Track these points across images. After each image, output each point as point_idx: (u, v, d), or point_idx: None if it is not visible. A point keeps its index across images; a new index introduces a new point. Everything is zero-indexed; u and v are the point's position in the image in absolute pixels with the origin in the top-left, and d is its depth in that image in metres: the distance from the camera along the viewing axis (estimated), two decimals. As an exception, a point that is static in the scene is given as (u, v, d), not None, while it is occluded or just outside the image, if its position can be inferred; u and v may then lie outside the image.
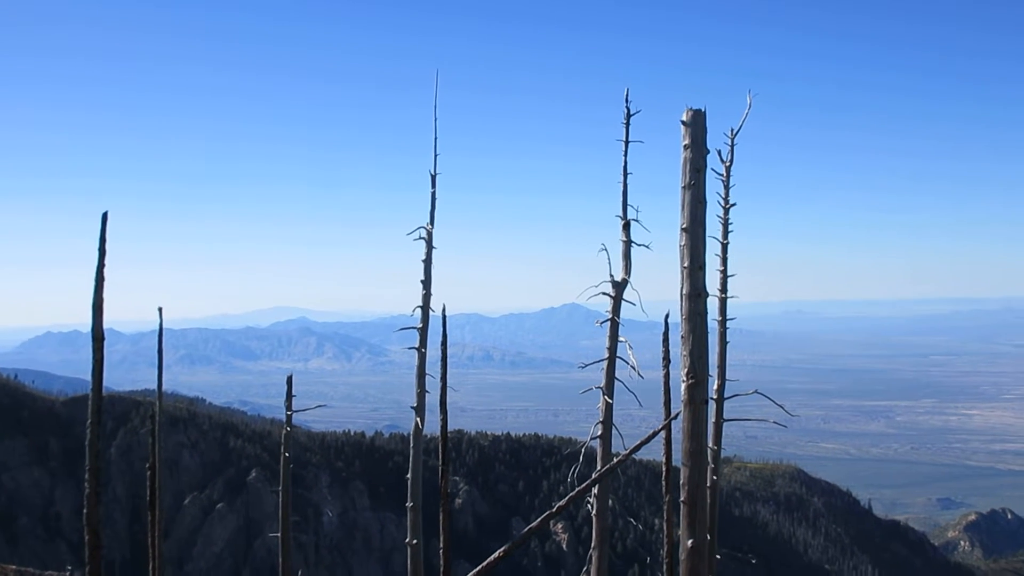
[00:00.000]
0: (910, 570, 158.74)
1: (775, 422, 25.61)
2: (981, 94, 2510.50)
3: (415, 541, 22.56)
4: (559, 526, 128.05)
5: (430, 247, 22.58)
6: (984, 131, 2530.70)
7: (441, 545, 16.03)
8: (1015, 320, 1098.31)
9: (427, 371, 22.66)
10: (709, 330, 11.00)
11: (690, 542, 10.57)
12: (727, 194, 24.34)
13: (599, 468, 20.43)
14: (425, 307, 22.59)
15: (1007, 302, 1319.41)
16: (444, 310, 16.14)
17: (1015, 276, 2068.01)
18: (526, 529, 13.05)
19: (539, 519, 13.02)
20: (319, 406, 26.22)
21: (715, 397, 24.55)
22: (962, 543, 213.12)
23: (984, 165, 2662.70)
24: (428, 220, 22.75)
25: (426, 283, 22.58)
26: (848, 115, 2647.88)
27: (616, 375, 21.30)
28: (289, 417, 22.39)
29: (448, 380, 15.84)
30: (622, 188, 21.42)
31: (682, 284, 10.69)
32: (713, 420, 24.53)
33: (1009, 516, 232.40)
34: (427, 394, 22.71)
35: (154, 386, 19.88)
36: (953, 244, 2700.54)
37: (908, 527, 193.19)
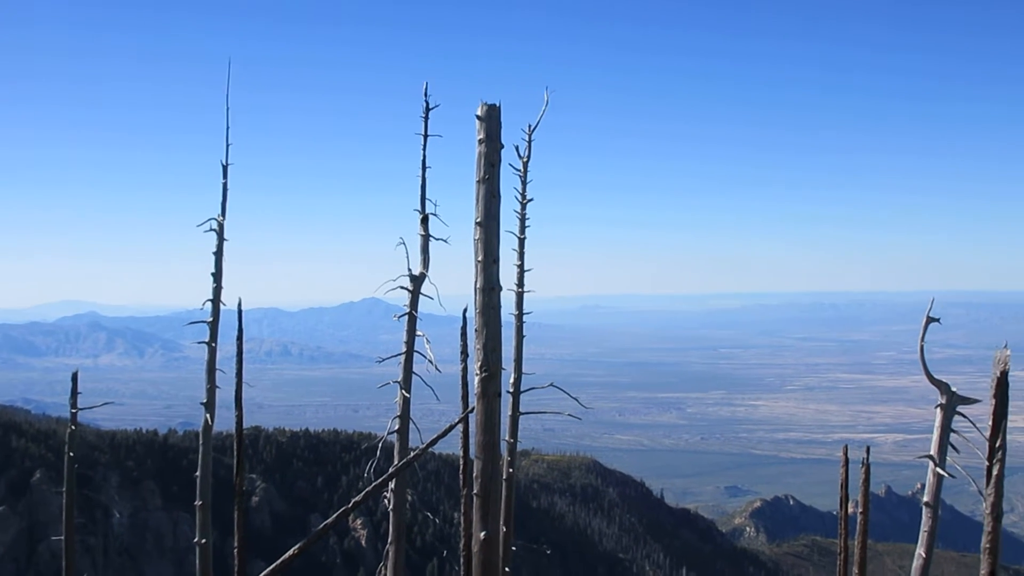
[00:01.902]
0: (699, 556, 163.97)
1: (570, 415, 26.04)
2: (770, 79, 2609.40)
3: (204, 540, 22.06)
4: (358, 522, 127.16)
5: (221, 239, 22.08)
6: (770, 132, 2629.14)
7: (236, 544, 15.69)
8: (798, 315, 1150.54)
9: (221, 367, 22.15)
10: (505, 324, 11.09)
11: (483, 534, 10.65)
12: (524, 189, 24.56)
13: (396, 463, 20.38)
14: (216, 300, 22.09)
15: (790, 297, 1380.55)
16: (240, 304, 15.70)
17: (797, 272, 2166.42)
18: (321, 526, 12.87)
19: (334, 515, 12.87)
20: (107, 403, 25.28)
21: (511, 390, 24.77)
22: (748, 529, 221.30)
23: (768, 164, 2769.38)
24: (220, 212, 22.25)
25: (217, 276, 22.08)
26: (644, 104, 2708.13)
27: (414, 369, 21.28)
28: (74, 415, 21.51)
29: (244, 375, 15.45)
30: (420, 182, 21.40)
31: (476, 278, 10.75)
32: (509, 413, 24.77)
33: (791, 502, 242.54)
34: (219, 390, 22.21)
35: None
36: (739, 241, 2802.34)
37: (698, 515, 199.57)
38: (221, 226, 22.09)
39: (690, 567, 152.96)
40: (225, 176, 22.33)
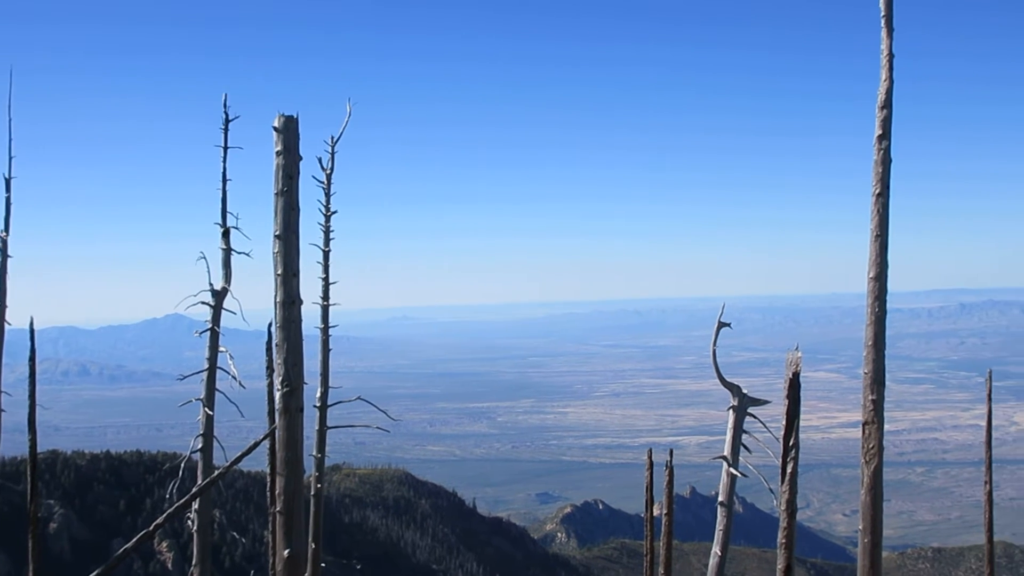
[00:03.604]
0: (512, 563, 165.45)
1: (379, 427, 26.01)
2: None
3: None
4: (163, 544, 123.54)
5: (5, 256, 21.21)
6: (572, 137, 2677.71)
7: (31, 573, 15.10)
8: (605, 322, 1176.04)
9: (10, 389, 21.28)
10: (311, 338, 11.00)
11: (287, 552, 10.51)
12: (328, 201, 24.42)
13: (199, 483, 19.95)
14: (0, 320, 21.21)
15: (596, 305, 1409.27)
16: (31, 323, 15.17)
17: (603, 281, 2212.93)
18: (121, 550, 12.51)
19: (134, 539, 12.52)
20: None
21: (318, 405, 24.57)
22: (559, 535, 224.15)
23: (569, 176, 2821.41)
24: (2, 227, 21.37)
25: (0, 294, 21.20)
26: (446, 113, 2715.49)
27: (218, 386, 20.91)
28: None
29: (38, 397, 14.87)
30: (221, 195, 21.07)
31: (276, 292, 10.64)
32: (316, 428, 24.58)
33: (600, 506, 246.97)
34: (5, 413, 21.31)
35: None
36: (545, 250, 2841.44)
37: (510, 523, 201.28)
38: (4, 242, 21.20)
39: (503, 575, 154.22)
40: (8, 190, 21.44)
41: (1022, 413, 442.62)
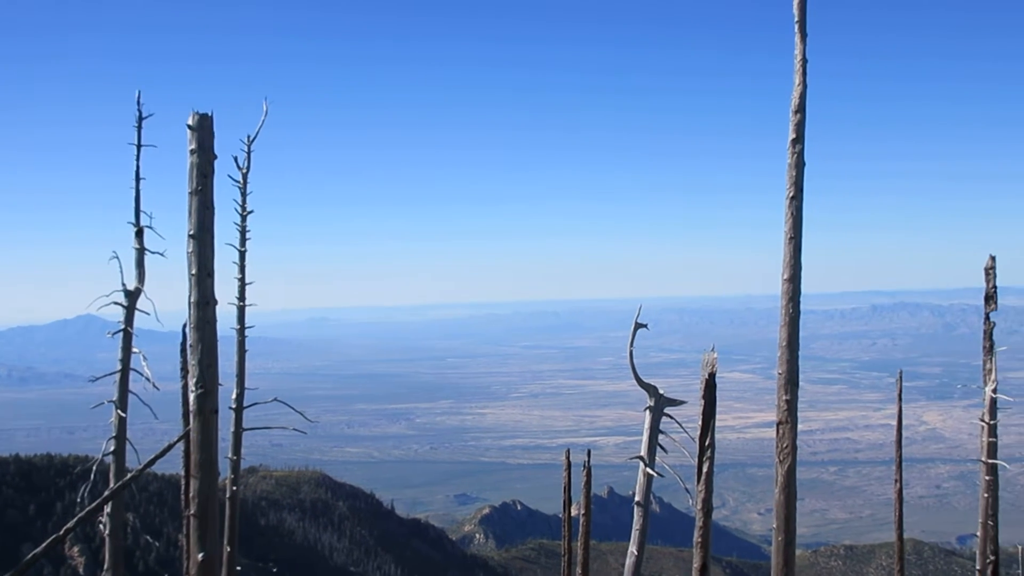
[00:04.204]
0: (431, 565, 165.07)
1: (295, 429, 25.81)
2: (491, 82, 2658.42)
3: None
4: (75, 549, 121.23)
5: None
6: (471, 136, 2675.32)
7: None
8: (524, 323, 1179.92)
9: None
10: (227, 339, 10.88)
11: (201, 555, 10.38)
12: (244, 201, 24.14)
13: (112, 485, 19.62)
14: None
15: (515, 306, 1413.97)
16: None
17: (522, 281, 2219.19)
18: (30, 555, 12.25)
19: (44, 544, 12.29)
20: None
21: (233, 407, 24.30)
22: (477, 536, 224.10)
23: (489, 179, 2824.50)
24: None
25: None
26: (360, 116, 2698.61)
27: (131, 388, 20.59)
28: None
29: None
30: (134, 194, 20.72)
31: (190, 292, 10.51)
32: (232, 430, 24.31)
33: (519, 507, 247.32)
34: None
35: None
36: (463, 252, 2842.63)
37: (428, 524, 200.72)
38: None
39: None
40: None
41: (932, 413, 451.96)
